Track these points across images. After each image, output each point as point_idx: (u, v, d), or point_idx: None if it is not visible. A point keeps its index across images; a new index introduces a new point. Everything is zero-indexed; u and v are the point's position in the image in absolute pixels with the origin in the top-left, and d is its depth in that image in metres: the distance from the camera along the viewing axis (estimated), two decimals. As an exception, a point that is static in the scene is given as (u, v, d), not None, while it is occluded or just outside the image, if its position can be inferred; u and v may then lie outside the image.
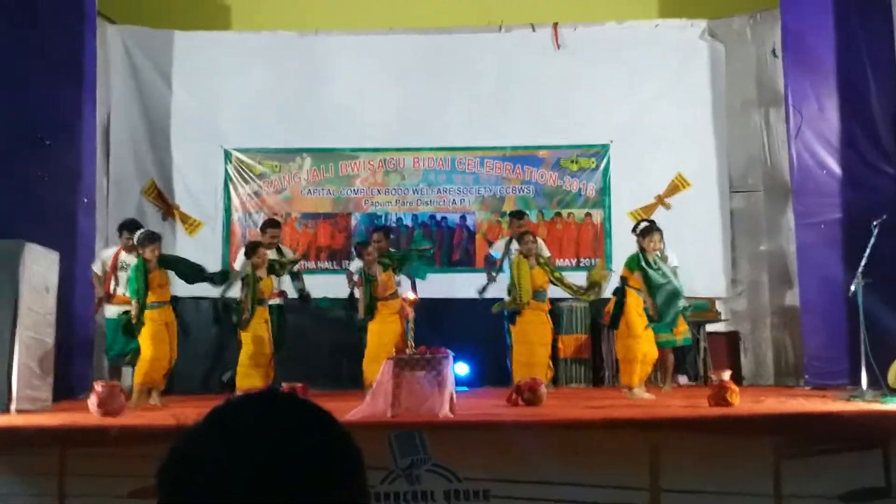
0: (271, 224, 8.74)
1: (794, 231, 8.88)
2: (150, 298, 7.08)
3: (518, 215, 9.04)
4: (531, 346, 7.95)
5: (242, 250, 8.56)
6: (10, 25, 7.95)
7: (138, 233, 7.48)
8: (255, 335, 7.49)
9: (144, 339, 7.06)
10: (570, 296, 8.48)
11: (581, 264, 9.75)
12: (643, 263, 7.41)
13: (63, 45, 8.38)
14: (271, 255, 8.22)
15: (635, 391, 7.11)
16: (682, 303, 7.51)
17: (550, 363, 8.24)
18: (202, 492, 1.02)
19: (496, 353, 8.65)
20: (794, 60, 8.84)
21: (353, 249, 9.33)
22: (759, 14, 9.87)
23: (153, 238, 7.32)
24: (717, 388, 5.86)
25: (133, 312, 7.03)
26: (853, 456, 4.64)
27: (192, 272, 7.58)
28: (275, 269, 7.94)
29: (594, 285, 8.06)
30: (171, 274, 7.49)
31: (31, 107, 7.92)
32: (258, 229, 8.96)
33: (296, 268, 8.62)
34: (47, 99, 8.11)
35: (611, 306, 7.62)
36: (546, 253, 8.71)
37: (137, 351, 7.18)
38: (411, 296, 6.94)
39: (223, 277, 8.00)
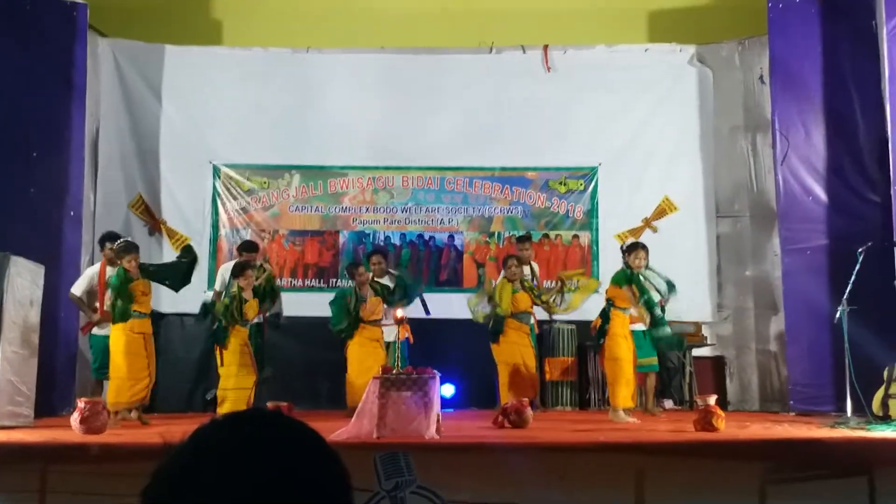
0: (249, 248, 8.62)
1: (780, 257, 8.93)
2: (132, 307, 7.03)
3: (523, 239, 9.06)
4: (515, 366, 7.94)
5: (224, 267, 8.55)
6: (1, 37, 7.93)
7: (116, 243, 7.40)
8: (236, 356, 7.42)
9: (118, 353, 6.94)
10: (554, 314, 8.49)
11: (567, 287, 9.75)
12: (630, 276, 7.47)
13: (53, 57, 8.38)
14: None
15: (619, 413, 7.11)
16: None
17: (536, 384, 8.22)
18: None
19: (482, 374, 8.65)
20: (781, 87, 8.91)
21: (345, 271, 9.22)
22: (748, 40, 9.96)
23: (130, 248, 7.26)
24: (702, 412, 5.86)
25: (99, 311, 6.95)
26: (839, 483, 4.64)
27: (172, 274, 7.48)
28: (260, 293, 7.83)
29: (560, 281, 8.18)
30: (156, 287, 7.45)
31: (19, 118, 7.89)
32: (236, 250, 8.84)
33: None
34: (36, 111, 8.10)
35: (597, 322, 7.63)
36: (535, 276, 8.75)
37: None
38: (399, 313, 6.92)
39: (188, 253, 7.74)
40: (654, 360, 7.99)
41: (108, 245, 7.79)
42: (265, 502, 1.00)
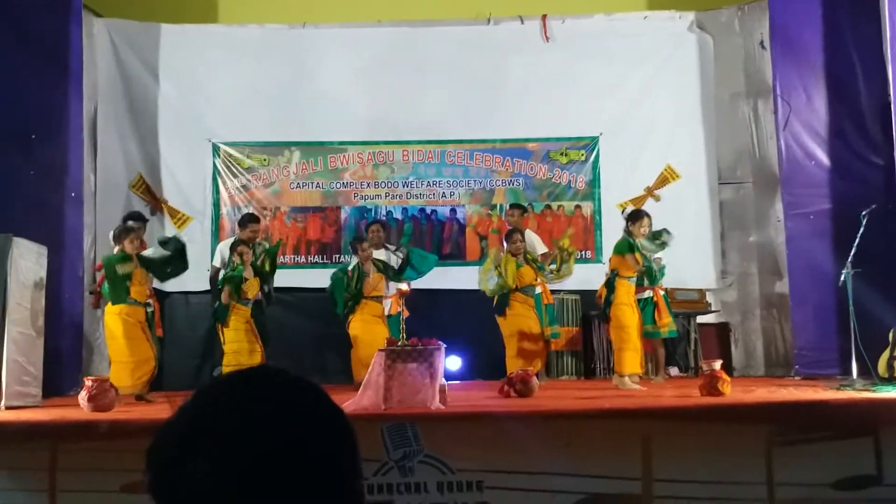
0: (251, 219, 8.63)
1: (784, 222, 8.92)
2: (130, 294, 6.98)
3: (511, 207, 9.02)
4: (521, 338, 7.96)
5: (223, 243, 8.55)
6: (-5, 19, 7.89)
7: (114, 229, 7.38)
8: (240, 334, 7.42)
9: (118, 337, 6.90)
10: (555, 282, 8.47)
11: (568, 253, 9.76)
12: (632, 244, 7.48)
13: (49, 38, 8.32)
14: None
15: (624, 379, 7.13)
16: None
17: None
18: (190, 468, 1.00)
19: (488, 346, 8.66)
20: (781, 52, 8.87)
21: (349, 246, 9.14)
22: (747, 6, 9.89)
23: (128, 231, 7.23)
24: (708, 377, 5.87)
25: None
26: (845, 444, 4.65)
27: (158, 265, 7.37)
28: (259, 269, 7.83)
29: (562, 252, 8.17)
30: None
31: (16, 101, 7.85)
32: (237, 224, 8.83)
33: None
34: (33, 93, 8.06)
35: (602, 291, 7.64)
36: (541, 249, 8.72)
37: None
38: (404, 287, 6.92)
39: (169, 243, 7.55)
40: (656, 328, 7.93)
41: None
42: (269, 457, 1.00)
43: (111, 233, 7.49)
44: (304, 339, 9.25)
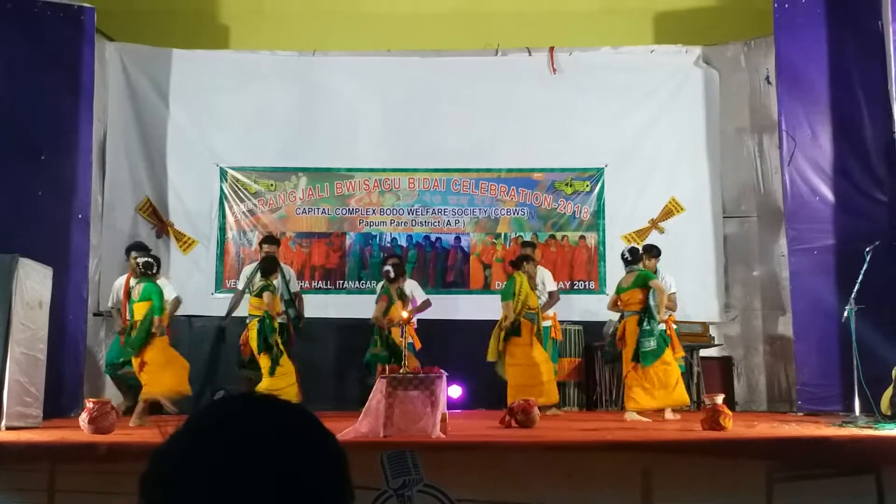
0: (269, 241, 8.70)
1: (787, 257, 8.91)
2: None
3: (528, 245, 9.09)
4: (527, 367, 7.94)
5: (248, 268, 8.55)
6: (10, 41, 7.98)
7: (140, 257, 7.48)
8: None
9: (162, 356, 7.12)
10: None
11: (575, 287, 9.78)
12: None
13: (61, 60, 8.42)
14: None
15: (633, 414, 7.19)
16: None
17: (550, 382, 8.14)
18: (179, 493, 1.01)
19: (489, 376, 8.65)
20: (787, 87, 8.91)
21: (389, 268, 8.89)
22: (753, 41, 9.95)
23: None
24: (710, 411, 5.85)
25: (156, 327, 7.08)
26: (847, 481, 4.63)
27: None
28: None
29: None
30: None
31: (28, 121, 7.94)
32: (258, 245, 8.88)
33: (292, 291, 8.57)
34: (45, 114, 8.14)
35: (622, 331, 7.63)
36: (551, 286, 8.77)
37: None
38: (404, 314, 6.94)
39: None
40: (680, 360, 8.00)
41: (133, 255, 7.86)
42: (261, 482, 1.01)
43: (134, 253, 7.80)
44: (307, 365, 9.21)
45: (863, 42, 8.30)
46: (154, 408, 7.26)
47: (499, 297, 8.54)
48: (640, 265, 7.99)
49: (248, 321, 7.80)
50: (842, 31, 8.51)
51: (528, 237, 9.91)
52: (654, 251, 8.31)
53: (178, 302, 8.05)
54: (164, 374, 7.11)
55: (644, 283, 7.62)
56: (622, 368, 7.87)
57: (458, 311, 9.32)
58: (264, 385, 7.24)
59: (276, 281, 7.93)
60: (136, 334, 7.08)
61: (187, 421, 1.09)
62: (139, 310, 7.16)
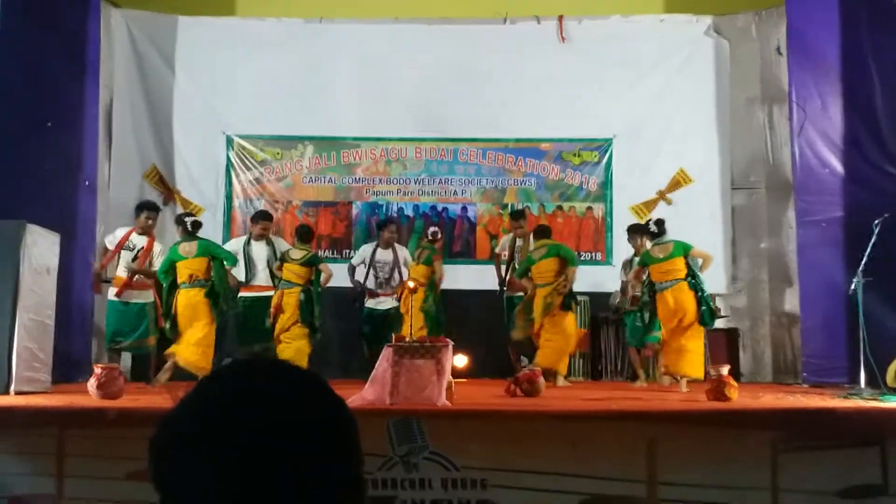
0: (263, 216, 8.63)
1: (795, 229, 8.89)
2: None
3: (518, 216, 9.01)
4: (567, 337, 8.09)
5: (234, 243, 8.57)
6: (14, 8, 7.92)
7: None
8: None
9: (207, 330, 7.23)
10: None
11: (582, 258, 9.76)
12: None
13: (67, 28, 8.37)
14: (263, 246, 8.26)
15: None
16: None
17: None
18: (192, 459, 1.01)
19: (496, 345, 8.69)
20: (798, 58, 8.83)
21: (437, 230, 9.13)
22: (765, 11, 9.85)
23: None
24: (715, 382, 5.86)
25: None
26: (851, 453, 4.64)
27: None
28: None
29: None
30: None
31: (34, 89, 7.90)
32: (250, 220, 8.84)
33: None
34: (50, 82, 8.10)
35: (673, 300, 7.58)
36: None
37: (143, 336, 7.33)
38: (411, 284, 6.95)
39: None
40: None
41: (144, 214, 7.88)
42: (271, 447, 1.01)
43: (146, 212, 7.84)
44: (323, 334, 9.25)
45: (875, 13, 8.22)
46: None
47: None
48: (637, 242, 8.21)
49: (280, 287, 7.77)
50: (854, 1, 8.41)
51: (535, 208, 9.89)
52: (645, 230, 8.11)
53: None
54: (197, 347, 7.16)
55: (685, 251, 7.56)
56: (653, 337, 7.79)
57: (464, 281, 9.31)
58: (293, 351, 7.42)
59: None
60: (218, 287, 7.28)
61: (197, 386, 1.09)
62: (192, 266, 7.29)
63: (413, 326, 7.64)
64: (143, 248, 7.79)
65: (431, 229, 8.89)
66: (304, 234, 8.01)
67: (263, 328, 7.73)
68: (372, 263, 8.62)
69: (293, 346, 7.48)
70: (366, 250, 8.83)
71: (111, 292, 7.81)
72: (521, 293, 8.48)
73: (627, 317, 8.39)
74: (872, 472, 4.59)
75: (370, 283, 8.64)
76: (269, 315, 7.69)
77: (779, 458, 4.60)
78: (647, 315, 7.65)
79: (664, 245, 7.60)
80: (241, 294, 8.03)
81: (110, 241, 7.92)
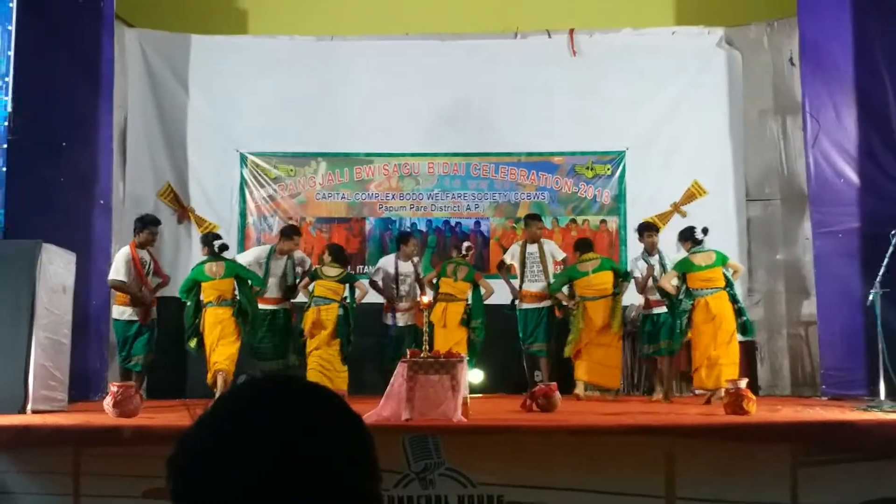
0: (297, 232, 8.69)
1: (812, 240, 8.83)
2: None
3: (535, 218, 9.00)
4: (615, 350, 8.18)
5: (259, 251, 8.54)
6: (29, 28, 7.99)
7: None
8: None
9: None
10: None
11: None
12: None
13: (81, 47, 8.45)
14: (283, 260, 8.28)
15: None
16: None
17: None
18: (211, 476, 1.01)
19: (511, 360, 8.65)
20: (811, 69, 8.80)
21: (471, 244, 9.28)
22: (777, 22, 9.83)
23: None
24: (733, 395, 5.81)
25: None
26: (871, 465, 4.60)
27: None
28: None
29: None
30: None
31: (49, 108, 7.96)
32: (280, 233, 8.73)
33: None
34: (65, 101, 8.16)
35: (707, 309, 7.52)
36: (560, 255, 8.73)
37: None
38: (426, 299, 6.93)
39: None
40: (661, 344, 8.01)
41: (152, 229, 7.87)
42: (289, 464, 1.00)
43: (151, 227, 7.87)
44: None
45: (888, 23, 8.19)
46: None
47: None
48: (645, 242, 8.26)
49: (315, 303, 7.84)
50: (866, 10, 8.39)
51: (548, 222, 9.86)
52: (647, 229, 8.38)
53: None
54: (230, 363, 7.48)
55: (724, 262, 7.61)
56: (691, 347, 7.74)
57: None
58: (341, 373, 7.68)
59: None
60: (246, 306, 7.61)
61: (215, 403, 1.09)
62: (220, 287, 7.56)
63: (449, 341, 7.71)
64: (151, 261, 7.80)
65: (466, 244, 8.88)
66: (339, 253, 8.16)
67: (274, 341, 7.99)
68: (396, 277, 8.59)
69: (327, 360, 7.71)
70: (386, 263, 8.79)
71: (115, 311, 7.77)
72: (537, 304, 8.46)
73: (643, 323, 8.34)
74: (893, 485, 4.54)
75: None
76: (290, 330, 8.01)
77: (798, 472, 4.57)
78: (684, 321, 7.60)
79: (706, 254, 7.62)
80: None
81: (123, 271, 7.64)
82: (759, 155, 9.91)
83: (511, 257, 8.86)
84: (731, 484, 4.52)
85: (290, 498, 1.00)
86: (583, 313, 8.04)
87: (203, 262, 7.75)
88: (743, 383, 5.95)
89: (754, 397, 5.89)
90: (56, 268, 6.42)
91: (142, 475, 4.34)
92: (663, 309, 7.96)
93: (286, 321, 8.23)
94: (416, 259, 8.85)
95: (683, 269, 7.63)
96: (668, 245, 8.35)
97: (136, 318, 7.59)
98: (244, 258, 8.38)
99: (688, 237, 7.78)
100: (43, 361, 6.15)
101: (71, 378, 6.60)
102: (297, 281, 8.27)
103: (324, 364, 7.63)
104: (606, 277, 8.11)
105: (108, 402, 5.65)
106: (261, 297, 7.99)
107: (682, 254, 7.81)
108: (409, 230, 9.69)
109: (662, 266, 8.12)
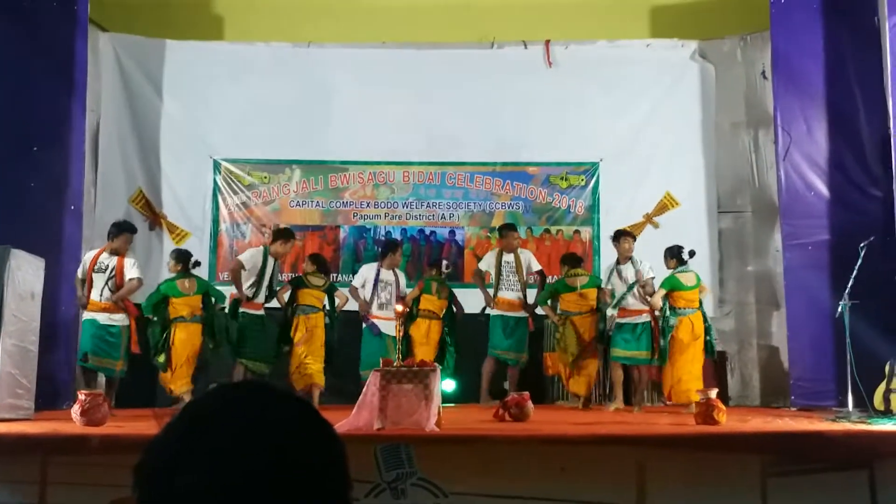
0: (293, 236, 8.50)
1: (782, 252, 8.91)
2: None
3: (510, 228, 8.99)
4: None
5: (255, 252, 8.34)
6: (1, 32, 7.92)
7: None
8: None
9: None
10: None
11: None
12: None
13: (54, 51, 8.36)
14: (272, 265, 8.20)
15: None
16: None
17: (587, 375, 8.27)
18: (177, 484, 0.99)
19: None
20: (783, 82, 8.90)
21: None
22: (750, 36, 9.95)
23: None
24: (703, 406, 5.85)
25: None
26: (840, 476, 4.64)
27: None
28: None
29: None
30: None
31: (20, 112, 7.87)
32: (279, 237, 8.38)
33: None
34: (37, 105, 8.08)
35: (690, 327, 7.63)
36: (536, 266, 8.75)
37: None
38: (399, 308, 6.93)
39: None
40: (642, 354, 8.00)
41: (127, 236, 7.73)
42: (257, 470, 0.99)
43: (128, 234, 7.79)
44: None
45: (859, 37, 8.30)
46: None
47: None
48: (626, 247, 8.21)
49: (303, 311, 7.95)
50: (838, 25, 8.51)
51: (522, 231, 9.88)
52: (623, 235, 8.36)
53: (139, 283, 7.77)
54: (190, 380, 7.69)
55: (699, 282, 7.88)
56: (671, 364, 7.77)
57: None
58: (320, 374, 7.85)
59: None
60: (216, 323, 7.81)
61: (183, 410, 1.08)
62: (192, 302, 7.71)
63: (425, 355, 7.73)
64: (115, 267, 7.62)
65: (445, 262, 9.03)
66: (324, 263, 8.39)
67: (266, 345, 7.97)
68: (376, 284, 8.49)
69: (318, 368, 7.86)
70: (368, 271, 8.63)
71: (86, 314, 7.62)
72: (512, 313, 8.47)
73: (618, 332, 8.31)
74: (861, 496, 4.58)
75: (374, 306, 8.49)
76: (275, 336, 8.01)
77: (768, 482, 4.59)
78: (669, 338, 7.70)
79: (689, 274, 7.82)
80: (244, 310, 7.87)
81: (81, 270, 7.63)
82: (731, 167, 10.01)
83: (487, 265, 8.85)
84: (702, 493, 4.54)
85: None
86: (572, 329, 8.08)
87: (174, 279, 7.79)
88: (713, 394, 5.99)
89: (724, 408, 5.94)
90: (24, 274, 6.33)
91: (110, 484, 4.27)
92: (644, 318, 7.91)
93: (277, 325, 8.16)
94: (397, 270, 8.76)
95: (672, 286, 7.74)
96: (643, 256, 8.38)
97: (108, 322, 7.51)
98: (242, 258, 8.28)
99: (675, 255, 7.86)
100: (9, 369, 6.06)
101: (38, 386, 6.51)
102: (278, 288, 8.21)
103: (310, 368, 7.79)
104: (593, 294, 8.18)
105: (75, 410, 5.58)
106: (252, 301, 7.87)
107: (651, 264, 7.93)
108: (398, 239, 9.65)
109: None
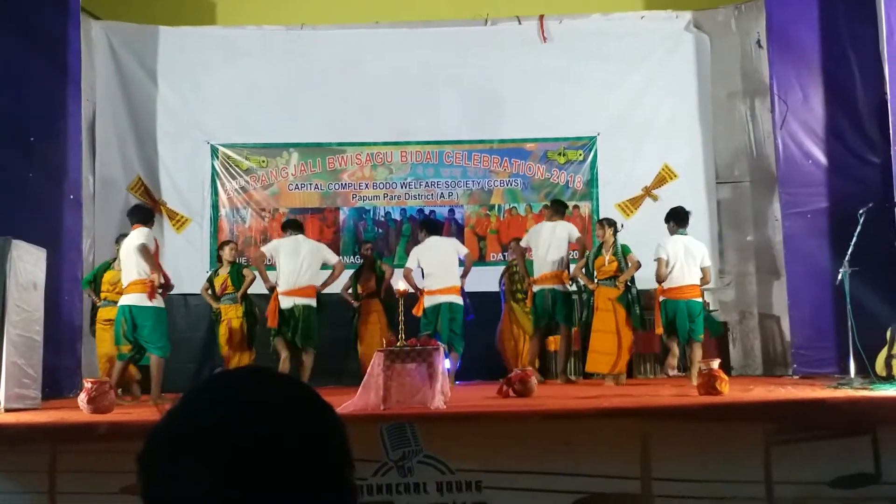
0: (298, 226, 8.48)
1: (781, 221, 8.93)
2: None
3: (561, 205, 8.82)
4: (595, 333, 8.07)
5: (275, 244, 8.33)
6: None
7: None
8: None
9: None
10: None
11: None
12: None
13: (48, 40, 8.33)
14: None
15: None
16: None
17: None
18: (179, 469, 1.00)
19: (487, 347, 8.69)
20: (778, 51, 8.88)
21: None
22: (744, 5, 9.90)
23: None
24: (706, 377, 5.88)
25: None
26: (842, 442, 4.66)
27: None
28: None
29: None
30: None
31: (16, 103, 7.86)
32: (292, 228, 8.38)
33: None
34: (32, 95, 8.07)
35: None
36: (576, 234, 8.52)
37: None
38: (401, 286, 6.93)
39: None
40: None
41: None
42: (257, 454, 1.00)
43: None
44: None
45: (854, 3, 8.28)
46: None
47: (495, 268, 8.57)
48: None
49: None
50: (833, -8, 8.47)
51: (521, 208, 9.90)
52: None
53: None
54: None
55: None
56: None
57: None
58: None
59: None
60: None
61: (184, 397, 1.08)
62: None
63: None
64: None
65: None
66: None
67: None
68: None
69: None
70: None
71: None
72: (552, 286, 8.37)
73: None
74: (864, 461, 4.61)
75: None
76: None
77: (771, 450, 4.62)
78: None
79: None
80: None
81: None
82: (728, 137, 9.99)
83: (527, 241, 8.62)
84: (706, 463, 4.57)
85: (261, 490, 1.00)
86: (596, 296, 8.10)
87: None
88: (715, 364, 6.02)
89: (727, 378, 5.97)
90: (26, 264, 6.35)
91: (118, 471, 4.30)
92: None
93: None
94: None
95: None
96: (643, 228, 8.40)
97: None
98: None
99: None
100: (15, 359, 6.09)
101: (44, 375, 6.54)
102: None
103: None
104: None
105: (82, 398, 5.62)
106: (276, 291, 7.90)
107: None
108: (439, 220, 9.61)
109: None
